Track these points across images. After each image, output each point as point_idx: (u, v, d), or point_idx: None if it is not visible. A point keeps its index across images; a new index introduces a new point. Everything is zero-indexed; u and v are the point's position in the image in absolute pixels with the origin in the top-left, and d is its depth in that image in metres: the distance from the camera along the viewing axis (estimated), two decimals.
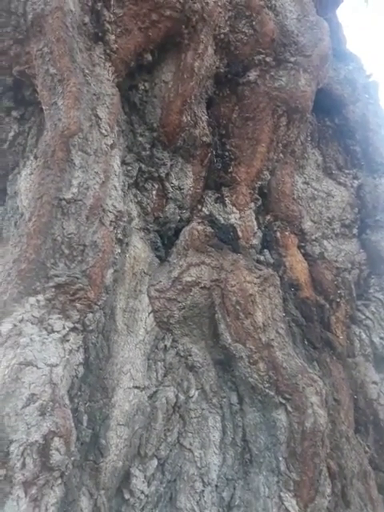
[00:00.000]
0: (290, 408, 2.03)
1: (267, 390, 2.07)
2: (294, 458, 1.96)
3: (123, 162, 2.37)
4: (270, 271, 2.30)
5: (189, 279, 2.22)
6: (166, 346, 2.16)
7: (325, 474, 1.97)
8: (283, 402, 2.05)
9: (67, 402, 1.68)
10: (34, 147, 2.36)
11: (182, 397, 2.09)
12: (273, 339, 2.10)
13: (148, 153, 2.49)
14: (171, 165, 2.55)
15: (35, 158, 2.27)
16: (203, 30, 2.42)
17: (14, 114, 2.42)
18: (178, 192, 2.57)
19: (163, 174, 2.52)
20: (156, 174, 2.51)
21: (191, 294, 2.21)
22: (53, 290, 1.83)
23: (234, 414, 2.14)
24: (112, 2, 2.26)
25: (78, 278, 1.88)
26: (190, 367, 2.17)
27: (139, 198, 2.49)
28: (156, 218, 2.53)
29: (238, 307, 2.12)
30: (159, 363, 2.12)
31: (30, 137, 2.40)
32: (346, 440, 2.26)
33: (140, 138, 2.49)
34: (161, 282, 2.25)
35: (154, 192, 2.52)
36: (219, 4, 2.46)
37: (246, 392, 2.14)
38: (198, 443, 2.07)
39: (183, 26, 2.35)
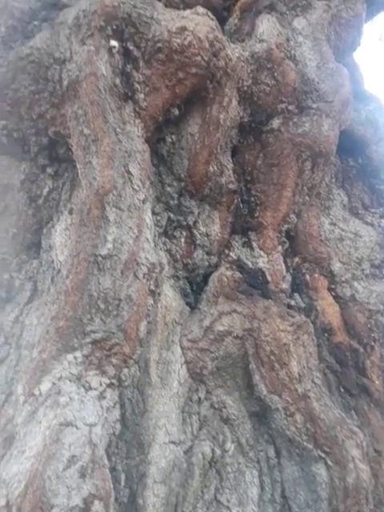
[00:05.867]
0: (329, 462, 1.98)
1: (305, 443, 2.02)
2: None
3: (153, 213, 2.43)
4: (303, 318, 2.28)
5: (221, 328, 2.22)
6: (199, 398, 2.14)
7: None
8: (322, 455, 1.99)
9: (106, 461, 1.67)
10: (67, 202, 2.46)
11: (217, 451, 2.05)
12: (309, 390, 2.06)
13: (176, 202, 2.55)
14: (198, 212, 2.60)
15: (69, 213, 2.36)
16: (227, 84, 2.50)
17: (49, 170, 2.53)
18: (205, 238, 2.60)
19: (191, 222, 2.57)
20: (184, 222, 2.56)
21: (224, 343, 2.20)
22: (89, 345, 1.86)
23: (272, 469, 2.09)
24: (141, 64, 2.38)
25: (113, 333, 1.90)
26: (225, 420, 2.14)
27: (168, 246, 2.53)
28: (185, 265, 2.56)
29: (272, 357, 2.10)
30: (194, 416, 2.09)
31: (64, 192, 2.50)
32: None
33: (168, 188, 2.56)
34: (193, 331, 2.26)
35: (183, 239, 2.57)
36: (242, 59, 2.56)
37: (283, 445, 2.09)
38: (236, 500, 2.02)
39: (208, 82, 2.44)
